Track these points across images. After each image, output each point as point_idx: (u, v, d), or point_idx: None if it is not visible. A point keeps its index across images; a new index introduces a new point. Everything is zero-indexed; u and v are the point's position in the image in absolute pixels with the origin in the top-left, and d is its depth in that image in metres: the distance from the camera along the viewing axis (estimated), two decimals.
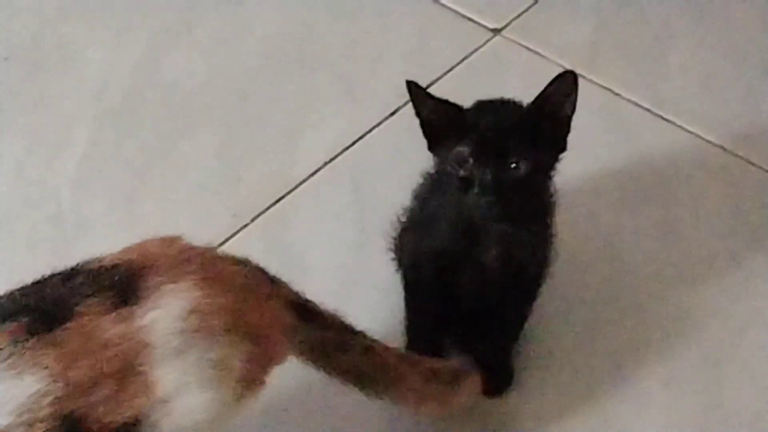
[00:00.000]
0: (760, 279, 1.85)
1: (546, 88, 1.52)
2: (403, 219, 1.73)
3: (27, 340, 1.27)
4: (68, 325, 1.28)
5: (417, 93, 1.54)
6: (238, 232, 1.88)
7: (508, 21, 2.22)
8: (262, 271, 1.45)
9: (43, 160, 1.99)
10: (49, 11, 2.21)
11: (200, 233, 1.45)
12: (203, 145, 2.02)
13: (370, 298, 1.76)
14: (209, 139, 2.02)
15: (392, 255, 1.75)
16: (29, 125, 2.04)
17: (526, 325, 1.73)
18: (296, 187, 1.95)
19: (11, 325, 1.28)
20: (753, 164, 2.01)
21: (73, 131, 2.01)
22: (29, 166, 1.98)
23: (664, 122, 2.07)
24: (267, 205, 1.92)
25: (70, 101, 2.07)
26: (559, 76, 1.51)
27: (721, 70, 2.17)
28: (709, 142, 2.04)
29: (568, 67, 1.60)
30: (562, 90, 1.53)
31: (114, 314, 1.30)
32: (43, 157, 1.99)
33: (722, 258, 1.89)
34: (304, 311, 1.46)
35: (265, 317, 1.40)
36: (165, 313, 1.31)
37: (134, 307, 1.31)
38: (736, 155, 2.01)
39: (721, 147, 2.02)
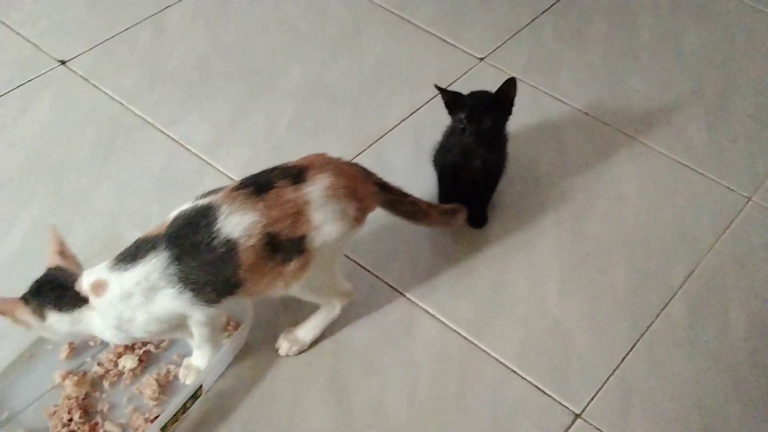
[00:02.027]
0: (612, 173, 1.84)
1: (502, 84, 1.57)
2: (437, 147, 1.74)
3: (250, 198, 1.30)
4: (269, 192, 1.31)
5: (440, 89, 1.61)
6: (359, 153, 1.87)
7: (488, 52, 2.16)
8: (365, 169, 1.47)
9: (272, 120, 1.96)
10: (275, 48, 2.14)
11: (345, 155, 1.47)
12: (345, 112, 1.98)
13: (424, 185, 1.75)
14: (348, 109, 1.99)
15: (432, 164, 1.75)
16: (264, 104, 1.99)
17: (493, 196, 1.75)
18: (386, 133, 1.94)
19: (244, 191, 1.31)
20: (605, 123, 1.98)
21: (285, 105, 1.99)
22: (265, 123, 1.95)
23: (557, 101, 2.03)
24: (373, 141, 1.91)
25: (282, 90, 2.04)
26: (509, 79, 1.57)
27: (590, 71, 2.11)
28: (580, 110, 2.01)
29: (513, 75, 1.64)
30: (509, 85, 1.57)
31: (292, 187, 1.33)
32: (272, 118, 1.96)
33: (585, 166, 1.87)
34: (383, 186, 1.48)
35: (363, 189, 1.41)
36: (316, 188, 1.34)
37: (302, 184, 1.33)
38: (596, 118, 1.99)
39: (586, 113, 2.00)
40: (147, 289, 1.29)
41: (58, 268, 1.35)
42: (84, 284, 1.32)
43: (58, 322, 1.32)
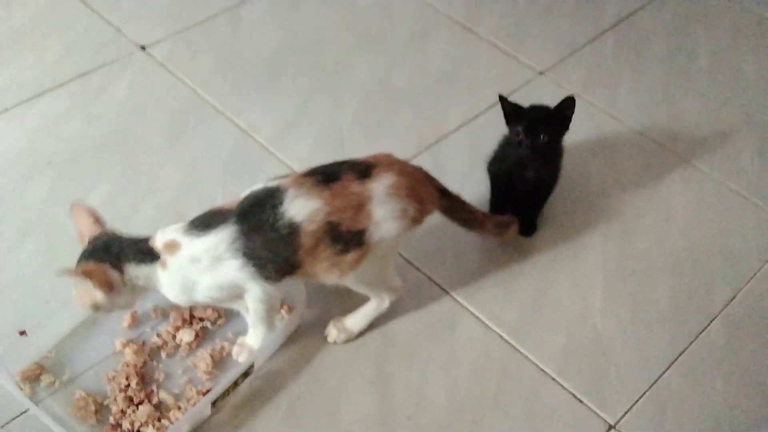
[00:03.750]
0: (663, 193, 1.83)
1: (561, 102, 1.56)
2: (492, 155, 1.72)
3: (316, 186, 1.32)
4: (336, 183, 1.33)
5: (502, 99, 1.59)
6: (417, 154, 1.87)
7: (548, 67, 2.15)
8: (425, 172, 1.47)
9: (335, 116, 1.96)
10: (345, 47, 2.16)
11: (403, 154, 1.49)
12: (406, 113, 1.98)
13: (476, 190, 1.74)
14: (410, 111, 1.99)
15: (486, 171, 1.73)
16: (329, 100, 2.00)
17: (544, 207, 1.74)
18: (444, 137, 1.93)
19: (312, 178, 1.33)
20: (659, 144, 1.95)
21: (349, 103, 2.00)
22: (329, 118, 1.96)
23: (613, 119, 2.01)
24: (431, 143, 1.91)
25: (348, 88, 2.04)
26: (567, 97, 1.56)
27: (648, 92, 2.08)
28: (635, 130, 1.99)
29: (572, 90, 1.66)
30: (568, 103, 1.56)
31: (357, 182, 1.34)
32: (335, 114, 1.97)
33: (637, 185, 1.85)
34: (443, 191, 1.48)
35: (425, 192, 1.42)
36: (380, 185, 1.34)
37: (367, 180, 1.34)
38: (651, 139, 1.96)
39: (641, 133, 1.98)
40: (214, 257, 1.31)
41: (105, 234, 1.35)
42: (158, 242, 1.35)
43: (134, 271, 1.33)
